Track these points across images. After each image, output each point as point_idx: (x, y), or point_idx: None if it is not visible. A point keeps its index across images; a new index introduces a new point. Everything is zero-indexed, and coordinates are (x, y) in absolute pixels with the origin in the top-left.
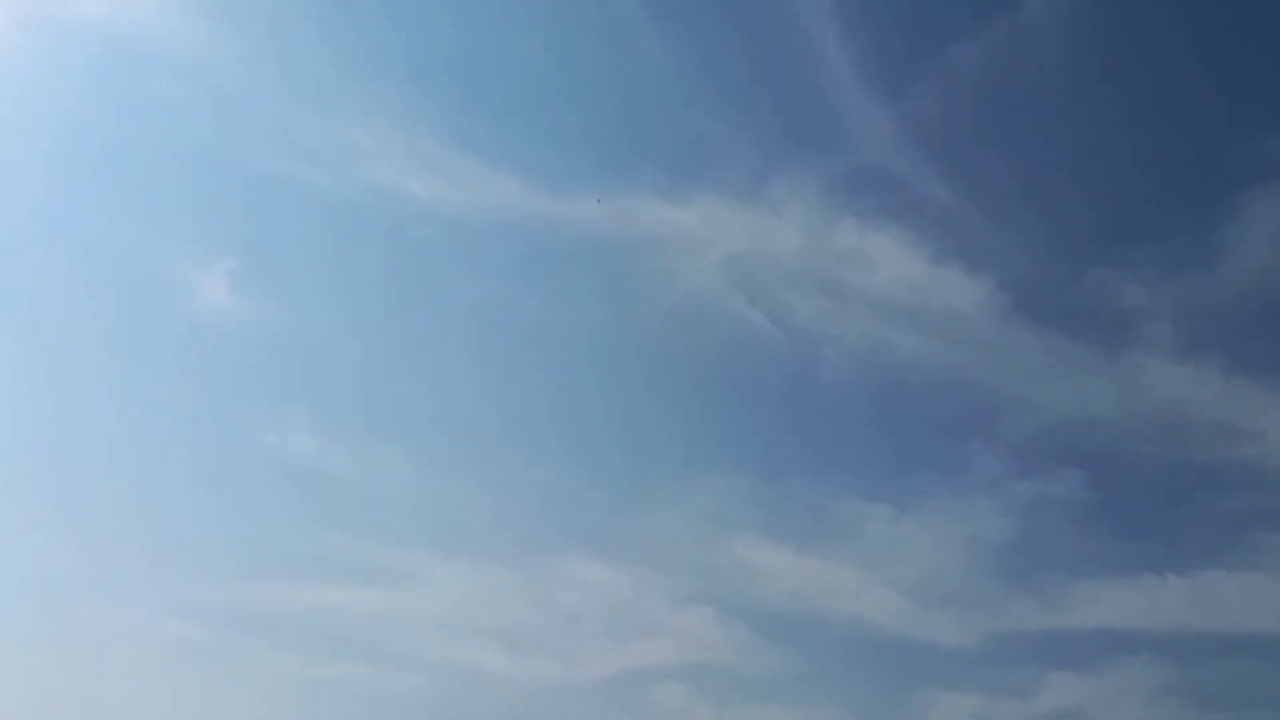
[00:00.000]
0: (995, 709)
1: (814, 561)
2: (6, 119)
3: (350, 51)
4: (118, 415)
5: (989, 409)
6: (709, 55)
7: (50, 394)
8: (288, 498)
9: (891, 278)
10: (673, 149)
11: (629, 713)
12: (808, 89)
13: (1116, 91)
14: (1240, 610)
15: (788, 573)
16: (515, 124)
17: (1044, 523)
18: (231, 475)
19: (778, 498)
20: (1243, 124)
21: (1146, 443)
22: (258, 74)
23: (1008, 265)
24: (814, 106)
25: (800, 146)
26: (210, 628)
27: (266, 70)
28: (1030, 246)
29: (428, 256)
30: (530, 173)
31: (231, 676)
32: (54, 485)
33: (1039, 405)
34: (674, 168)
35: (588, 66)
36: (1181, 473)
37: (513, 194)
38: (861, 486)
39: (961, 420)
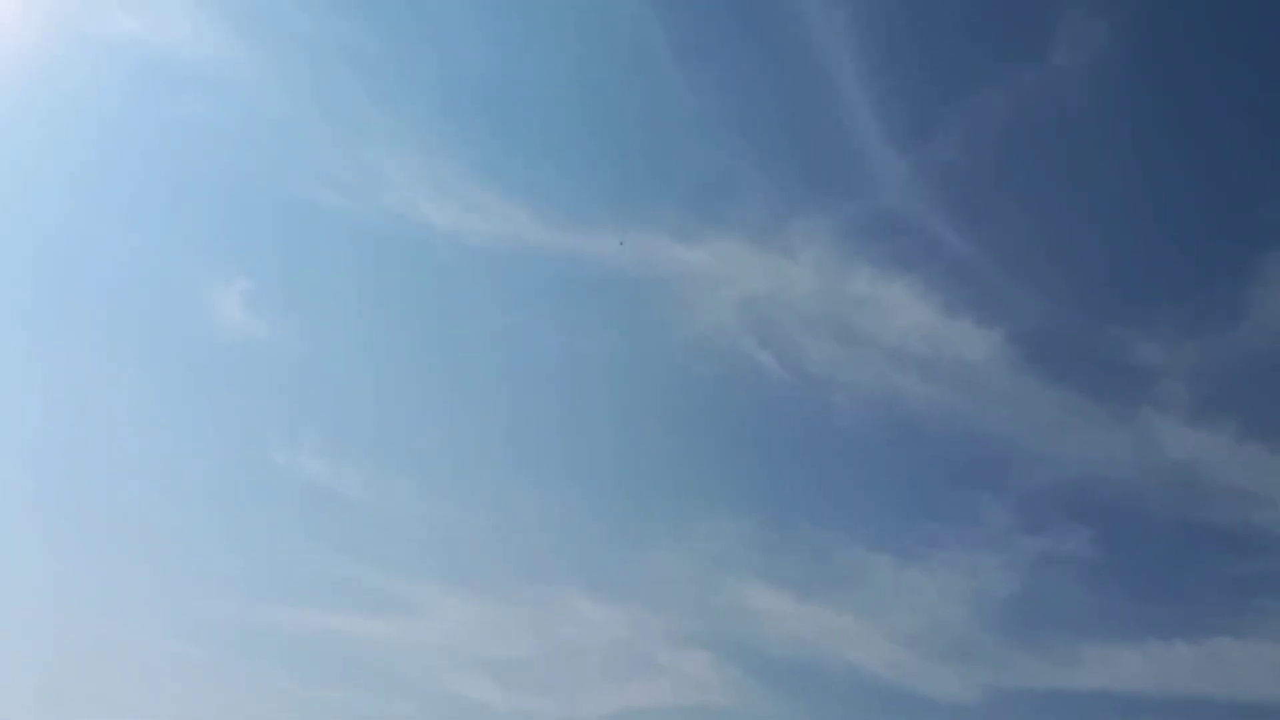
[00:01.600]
0: None
1: (815, 608)
2: (38, 132)
3: (379, 77)
4: (130, 430)
5: (999, 461)
6: (731, 95)
7: (63, 408)
8: (296, 519)
9: (905, 326)
10: (691, 188)
11: None
12: (828, 132)
13: (1139, 147)
14: (1246, 677)
15: (788, 618)
16: (536, 156)
17: (1050, 579)
18: (241, 494)
19: (781, 542)
20: (1268, 185)
21: (1157, 503)
22: (287, 97)
23: (1022, 317)
24: (833, 150)
25: (818, 190)
26: (214, 647)
27: (296, 93)
28: (1046, 300)
29: (444, 284)
30: (549, 205)
31: (232, 696)
32: (64, 499)
33: (1049, 460)
34: (692, 206)
35: (611, 103)
36: (1191, 535)
37: (531, 226)
38: (867, 534)
39: (970, 472)
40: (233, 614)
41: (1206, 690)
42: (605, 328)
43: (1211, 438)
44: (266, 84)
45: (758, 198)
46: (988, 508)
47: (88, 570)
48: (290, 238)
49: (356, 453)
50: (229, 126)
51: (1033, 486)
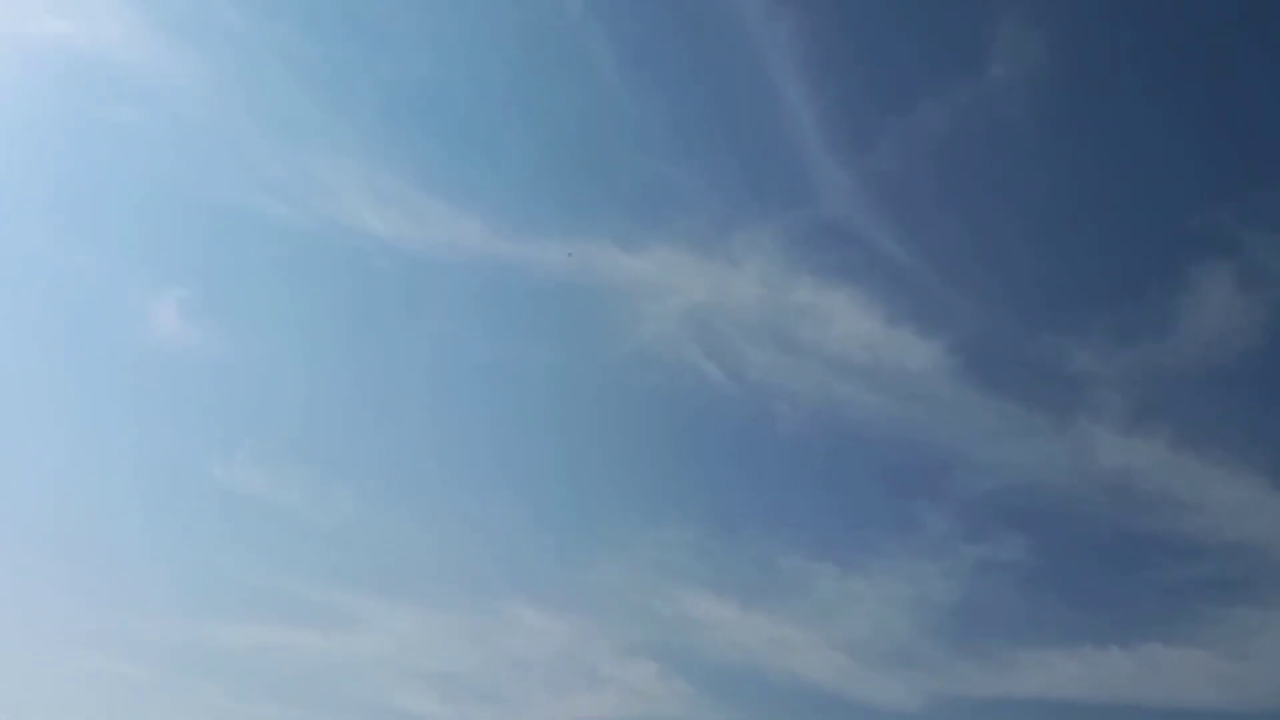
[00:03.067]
0: None
1: (759, 617)
2: None
3: (316, 83)
4: (60, 442)
5: (939, 470)
6: (675, 105)
7: None
8: (232, 533)
9: (846, 335)
10: (635, 197)
11: None
12: (771, 142)
13: (1075, 159)
14: (1180, 683)
15: (732, 628)
16: (479, 164)
17: (989, 587)
18: (177, 507)
19: (725, 551)
20: (1197, 196)
21: (1092, 510)
22: (222, 102)
23: (961, 327)
24: (777, 160)
25: (761, 200)
26: (149, 665)
27: (231, 99)
28: (984, 309)
29: (385, 293)
30: (492, 214)
31: (169, 716)
32: None
33: (988, 467)
34: (636, 215)
35: (554, 111)
36: (1126, 542)
37: (473, 234)
38: (810, 543)
39: (911, 480)
40: (168, 630)
41: (1140, 696)
42: (549, 336)
43: (1144, 446)
44: (201, 88)
45: (702, 207)
46: (928, 516)
47: (14, 587)
48: (227, 245)
49: (294, 464)
50: (162, 132)
51: (972, 494)
